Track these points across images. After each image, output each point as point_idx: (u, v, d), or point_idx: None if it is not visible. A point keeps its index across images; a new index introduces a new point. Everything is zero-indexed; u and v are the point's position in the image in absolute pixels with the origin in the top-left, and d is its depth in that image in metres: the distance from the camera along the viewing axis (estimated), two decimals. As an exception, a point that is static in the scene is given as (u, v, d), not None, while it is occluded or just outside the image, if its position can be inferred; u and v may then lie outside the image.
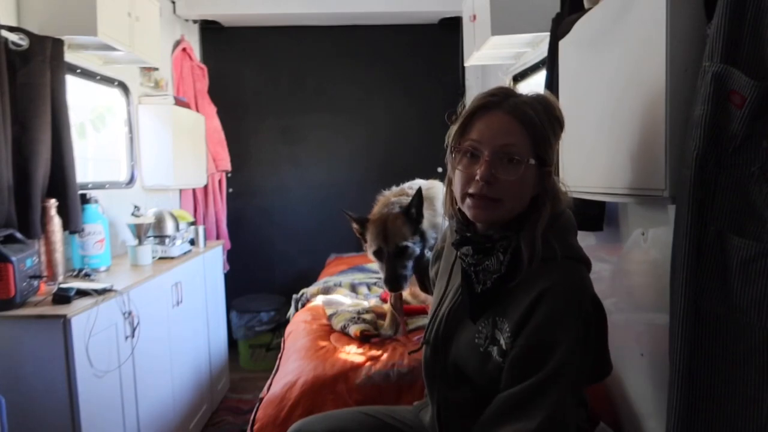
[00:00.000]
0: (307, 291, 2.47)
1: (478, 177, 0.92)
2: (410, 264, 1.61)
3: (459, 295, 1.04)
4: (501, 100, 0.95)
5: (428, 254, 1.65)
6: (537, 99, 0.97)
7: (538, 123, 0.93)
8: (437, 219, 1.68)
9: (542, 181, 0.96)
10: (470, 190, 0.94)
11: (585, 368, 0.92)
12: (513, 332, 0.91)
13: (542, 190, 0.96)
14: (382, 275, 1.64)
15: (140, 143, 2.78)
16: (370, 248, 1.67)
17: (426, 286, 1.46)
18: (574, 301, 0.89)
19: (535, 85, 2.52)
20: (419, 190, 1.63)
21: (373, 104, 3.70)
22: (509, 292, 0.94)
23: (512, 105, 0.94)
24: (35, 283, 1.63)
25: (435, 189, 1.82)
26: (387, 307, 1.94)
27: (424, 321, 1.83)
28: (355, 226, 1.71)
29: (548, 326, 0.88)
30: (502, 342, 0.93)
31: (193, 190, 3.34)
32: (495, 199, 0.93)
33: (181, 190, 3.30)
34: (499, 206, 0.94)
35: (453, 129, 1.00)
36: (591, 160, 1.31)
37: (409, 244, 1.61)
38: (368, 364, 1.60)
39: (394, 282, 1.60)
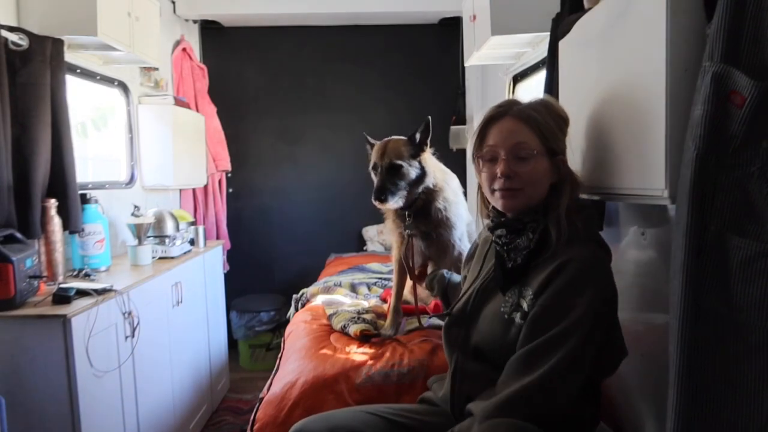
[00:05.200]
0: (307, 291, 2.47)
1: (499, 174, 1.09)
2: (402, 184, 1.66)
3: (491, 273, 1.17)
4: (507, 109, 1.12)
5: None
6: (539, 102, 1.15)
7: (542, 120, 1.10)
8: (448, 194, 1.76)
9: (557, 169, 1.11)
10: (495, 186, 1.11)
11: (595, 342, 1.00)
12: (535, 294, 1.04)
13: (559, 178, 1.11)
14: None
15: (140, 143, 2.78)
16: (370, 165, 1.75)
17: (448, 301, 1.47)
18: (592, 274, 1.01)
19: (535, 85, 2.52)
20: (428, 120, 1.70)
21: (372, 104, 3.70)
22: (536, 265, 1.07)
23: (517, 111, 1.11)
24: (35, 283, 1.63)
25: (451, 175, 1.89)
26: (387, 306, 1.94)
27: (423, 321, 1.83)
28: (367, 146, 1.83)
29: (566, 291, 0.99)
30: (525, 305, 1.05)
31: (193, 190, 3.34)
32: (517, 189, 1.09)
33: (181, 190, 3.30)
34: (522, 194, 1.10)
35: (471, 141, 1.19)
36: (591, 160, 1.31)
37: (404, 163, 1.66)
38: (368, 364, 1.60)
39: (379, 192, 1.65)
